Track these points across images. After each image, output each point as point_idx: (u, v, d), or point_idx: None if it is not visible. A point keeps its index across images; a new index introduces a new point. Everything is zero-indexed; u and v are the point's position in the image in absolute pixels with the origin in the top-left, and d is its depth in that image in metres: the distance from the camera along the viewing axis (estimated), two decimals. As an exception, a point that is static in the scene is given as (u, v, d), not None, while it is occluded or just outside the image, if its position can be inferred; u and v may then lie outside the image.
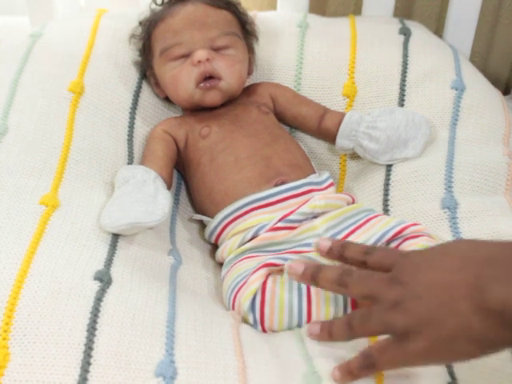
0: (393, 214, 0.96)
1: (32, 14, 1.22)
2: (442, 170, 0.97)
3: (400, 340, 0.62)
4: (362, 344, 0.72)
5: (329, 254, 0.73)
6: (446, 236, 0.90)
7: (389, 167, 1.01)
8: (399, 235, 0.86)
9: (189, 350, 0.69)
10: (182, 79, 1.00)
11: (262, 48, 1.13)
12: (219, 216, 0.94)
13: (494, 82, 1.18)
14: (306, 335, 0.73)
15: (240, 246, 0.90)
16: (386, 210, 0.97)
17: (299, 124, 1.10)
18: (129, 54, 1.10)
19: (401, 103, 1.08)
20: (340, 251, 0.72)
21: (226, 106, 1.04)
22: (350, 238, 0.87)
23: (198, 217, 1.00)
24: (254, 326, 0.80)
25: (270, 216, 0.91)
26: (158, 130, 1.03)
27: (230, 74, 1.01)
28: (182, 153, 1.03)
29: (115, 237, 0.84)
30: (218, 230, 0.94)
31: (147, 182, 0.90)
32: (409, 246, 0.85)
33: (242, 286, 0.82)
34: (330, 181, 0.97)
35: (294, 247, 0.88)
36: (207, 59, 0.98)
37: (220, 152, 0.98)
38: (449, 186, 0.95)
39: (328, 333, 0.70)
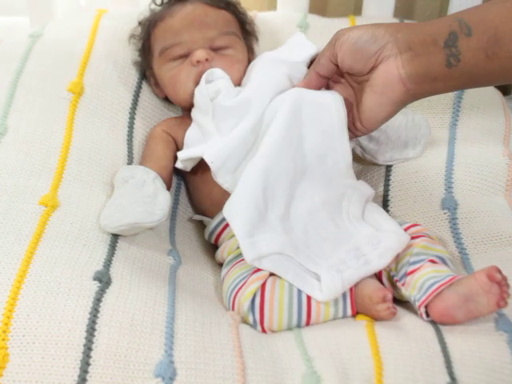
0: (393, 215, 0.96)
1: (32, 13, 1.23)
2: (442, 171, 0.97)
3: None
4: (362, 343, 0.72)
5: None
6: (446, 236, 0.90)
7: (389, 167, 1.01)
8: (399, 236, 0.86)
9: (188, 351, 0.69)
10: (181, 79, 1.00)
11: (261, 48, 1.13)
12: (219, 216, 0.93)
13: (494, 82, 1.18)
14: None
15: (240, 246, 0.89)
16: (385, 211, 0.97)
17: (299, 124, 1.09)
18: (128, 54, 1.10)
19: (401, 103, 1.08)
20: None
21: (225, 106, 1.04)
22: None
23: (198, 217, 1.00)
24: (253, 326, 0.80)
25: (270, 216, 0.90)
26: (157, 130, 1.03)
27: (229, 74, 1.00)
28: (182, 153, 1.03)
29: (115, 237, 0.84)
30: (218, 230, 0.94)
31: (147, 182, 0.90)
32: (409, 246, 0.85)
33: (242, 286, 0.81)
34: (331, 181, 0.97)
35: (294, 247, 0.87)
36: (206, 59, 0.98)
37: (220, 152, 0.98)
38: (449, 187, 0.95)
39: None
